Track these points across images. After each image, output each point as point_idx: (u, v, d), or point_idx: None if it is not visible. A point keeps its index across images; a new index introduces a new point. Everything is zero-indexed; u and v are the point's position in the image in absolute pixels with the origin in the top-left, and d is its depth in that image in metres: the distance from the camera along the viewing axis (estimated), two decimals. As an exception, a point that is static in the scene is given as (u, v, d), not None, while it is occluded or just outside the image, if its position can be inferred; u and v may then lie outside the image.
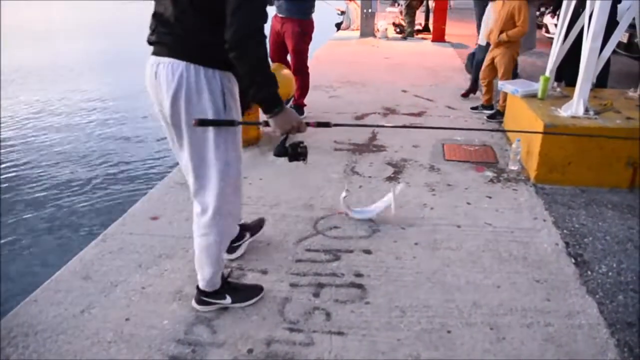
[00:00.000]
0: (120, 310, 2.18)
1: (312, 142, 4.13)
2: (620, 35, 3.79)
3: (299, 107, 4.85)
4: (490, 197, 3.28)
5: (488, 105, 5.19)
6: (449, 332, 2.07)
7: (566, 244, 2.75)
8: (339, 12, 13.44)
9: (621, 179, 3.44)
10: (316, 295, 2.29)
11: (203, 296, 2.17)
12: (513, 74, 4.99)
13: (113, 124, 7.89)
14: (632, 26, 4.24)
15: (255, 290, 2.27)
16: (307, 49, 4.80)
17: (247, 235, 2.61)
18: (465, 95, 5.83)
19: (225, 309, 2.19)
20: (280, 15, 4.62)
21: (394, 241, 2.74)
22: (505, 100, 4.80)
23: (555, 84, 4.41)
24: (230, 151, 1.92)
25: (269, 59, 1.73)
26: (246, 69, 1.70)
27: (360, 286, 2.35)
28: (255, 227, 2.70)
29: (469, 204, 3.20)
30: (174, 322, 2.11)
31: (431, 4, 12.33)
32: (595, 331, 2.08)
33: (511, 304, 2.24)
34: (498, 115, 4.95)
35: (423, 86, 6.43)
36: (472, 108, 5.34)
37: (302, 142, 1.87)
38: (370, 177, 3.57)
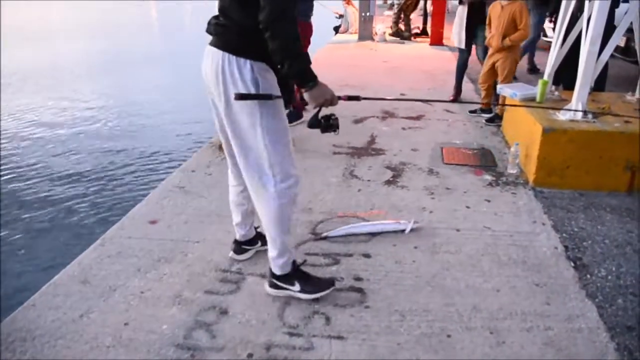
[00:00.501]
0: (119, 315, 2.18)
1: (310, 146, 4.16)
2: (618, 39, 3.80)
3: (298, 111, 4.84)
4: (489, 201, 3.29)
5: (487, 109, 5.20)
6: (448, 336, 2.06)
7: (565, 248, 2.75)
8: (337, 16, 13.46)
9: (620, 183, 3.45)
10: (316, 299, 2.28)
11: (274, 279, 2.25)
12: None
13: (112, 126, 7.89)
14: (629, 30, 4.25)
15: (325, 284, 2.29)
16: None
17: (259, 243, 2.58)
18: (454, 99, 5.85)
19: (225, 313, 2.18)
20: None
21: (393, 245, 2.74)
22: (504, 104, 4.81)
23: (554, 87, 4.42)
24: (270, 136, 2.00)
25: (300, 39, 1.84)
26: (279, 47, 1.81)
27: (359, 290, 2.35)
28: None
29: (468, 207, 3.20)
30: (173, 326, 2.11)
31: (429, 8, 12.37)
32: (595, 335, 2.08)
33: (511, 308, 2.24)
34: (496, 119, 4.95)
35: (421, 89, 6.44)
36: (471, 111, 5.35)
37: (333, 115, 1.99)
38: (369, 180, 3.57)
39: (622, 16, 3.99)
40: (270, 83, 1.98)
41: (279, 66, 1.86)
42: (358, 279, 2.44)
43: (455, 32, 5.63)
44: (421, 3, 13.41)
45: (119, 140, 7.19)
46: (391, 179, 3.61)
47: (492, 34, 4.84)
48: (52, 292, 2.33)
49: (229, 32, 1.94)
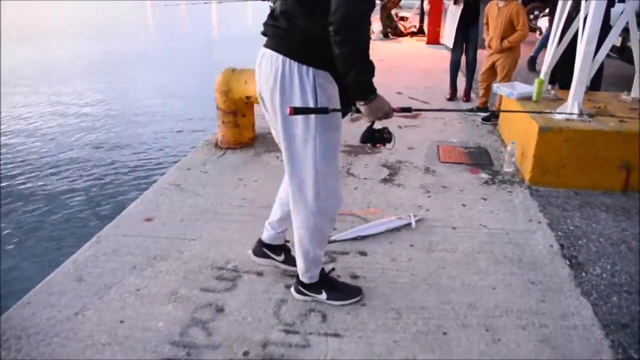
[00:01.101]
0: (114, 313, 2.17)
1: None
2: (614, 39, 3.81)
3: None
4: (485, 199, 3.29)
5: (483, 108, 5.21)
6: (444, 333, 2.07)
7: (561, 246, 2.75)
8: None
9: (614, 182, 3.46)
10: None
11: (301, 287, 2.23)
12: None
13: (107, 125, 7.86)
14: (625, 30, 4.27)
15: (353, 292, 2.27)
16: None
17: (282, 256, 2.46)
18: (450, 99, 5.87)
19: (221, 310, 2.18)
20: None
21: (389, 243, 2.74)
22: (500, 103, 4.82)
23: (550, 86, 4.43)
24: (321, 150, 1.91)
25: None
26: (347, 53, 1.69)
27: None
28: (293, 260, 2.46)
29: (464, 205, 3.20)
30: (169, 324, 2.10)
31: (426, 7, 12.38)
32: (590, 332, 2.09)
33: (506, 306, 2.24)
34: (493, 118, 4.97)
35: (418, 88, 6.44)
36: (468, 110, 5.36)
37: (386, 128, 1.91)
38: (365, 178, 3.57)
39: (617, 16, 4.00)
40: (330, 93, 1.87)
41: (343, 74, 1.73)
42: (354, 276, 2.44)
43: (448, 31, 5.65)
44: (418, 2, 13.43)
45: (115, 138, 7.17)
46: (388, 177, 3.61)
47: (491, 36, 4.86)
48: (47, 290, 2.32)
49: (290, 37, 1.81)
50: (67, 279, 2.40)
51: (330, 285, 2.24)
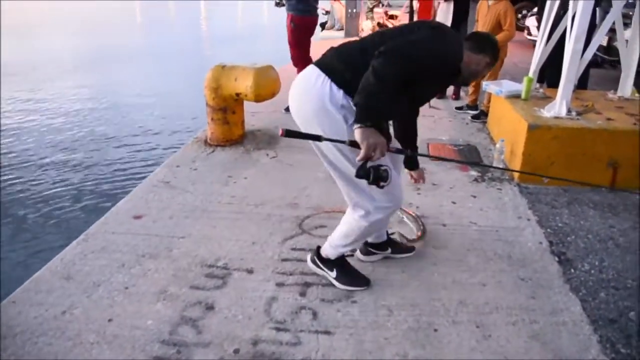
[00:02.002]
0: (102, 311, 2.14)
1: (296, 141, 4.11)
2: (601, 38, 3.84)
3: None
4: (475, 197, 3.31)
5: (473, 106, 5.24)
6: (435, 330, 2.07)
7: (550, 243, 2.77)
8: (324, 12, 13.45)
9: (602, 179, 3.49)
10: (302, 294, 2.27)
11: (317, 257, 2.35)
12: None
13: (95, 121, 7.78)
14: (612, 30, 4.31)
15: (361, 281, 2.34)
16: (302, 42, 5.04)
17: (389, 249, 2.55)
18: (440, 97, 5.83)
19: (211, 308, 2.16)
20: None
21: (380, 240, 2.74)
22: (489, 100, 4.84)
23: (538, 85, 4.46)
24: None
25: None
26: (372, 71, 1.75)
27: (346, 285, 2.34)
28: (400, 248, 2.61)
29: (454, 203, 3.21)
30: (158, 322, 2.08)
31: (415, 5, 12.40)
32: (579, 328, 2.10)
33: (497, 302, 2.25)
34: (482, 116, 4.99)
35: (407, 86, 6.44)
36: (457, 108, 5.39)
37: (382, 165, 1.85)
38: (355, 176, 3.57)
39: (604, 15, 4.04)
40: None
41: (360, 89, 1.78)
42: (345, 274, 2.43)
43: None
44: (407, 1, 13.42)
45: (103, 135, 7.10)
46: (378, 175, 3.60)
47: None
48: (33, 288, 2.29)
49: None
50: (54, 277, 2.37)
51: (343, 268, 2.34)
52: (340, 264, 2.33)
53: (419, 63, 1.81)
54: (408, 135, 2.37)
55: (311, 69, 1.99)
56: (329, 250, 2.30)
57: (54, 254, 2.58)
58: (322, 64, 1.98)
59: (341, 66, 1.93)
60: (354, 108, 1.83)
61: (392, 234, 2.64)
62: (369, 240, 2.49)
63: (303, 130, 1.98)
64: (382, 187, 1.88)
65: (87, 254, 2.56)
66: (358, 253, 2.54)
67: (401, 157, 2.38)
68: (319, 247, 2.36)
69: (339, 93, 1.90)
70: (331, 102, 1.90)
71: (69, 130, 7.33)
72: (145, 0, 33.97)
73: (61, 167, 5.90)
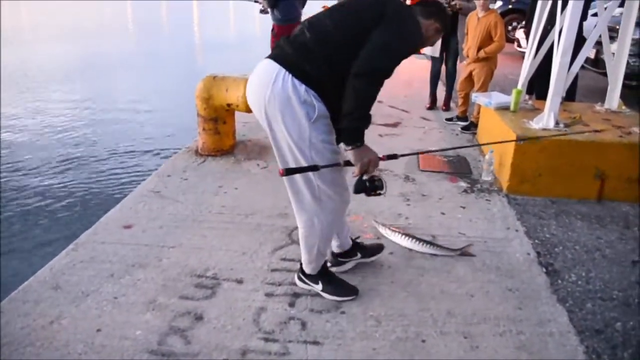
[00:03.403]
0: (91, 321, 2.13)
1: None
2: (588, 51, 3.91)
3: None
4: (464, 207, 3.33)
5: (463, 117, 5.29)
6: (423, 341, 2.08)
7: (538, 254, 2.80)
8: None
9: (589, 191, 3.54)
10: (292, 304, 2.28)
11: (302, 274, 2.35)
12: None
13: (86, 130, 7.75)
14: (599, 43, 4.38)
15: (349, 291, 2.34)
16: None
17: (358, 255, 2.56)
18: (430, 108, 5.94)
19: (200, 318, 2.16)
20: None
21: (369, 250, 2.75)
22: (479, 112, 4.90)
23: (527, 96, 4.52)
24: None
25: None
26: (353, 99, 1.82)
27: (336, 296, 2.35)
28: (369, 250, 2.63)
29: (443, 214, 3.24)
30: (147, 332, 2.08)
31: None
32: (566, 338, 2.12)
33: (484, 313, 2.27)
34: (472, 127, 5.04)
35: (398, 97, 6.50)
36: (447, 119, 5.44)
37: (376, 176, 1.97)
38: (346, 186, 3.58)
39: (591, 29, 4.11)
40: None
41: (344, 113, 1.84)
42: (334, 284, 2.44)
43: None
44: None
45: (92, 144, 7.07)
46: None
47: (469, 45, 4.94)
48: (21, 298, 2.28)
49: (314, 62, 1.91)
50: (42, 287, 2.36)
51: (328, 279, 2.33)
52: (324, 276, 2.33)
53: (394, 66, 1.90)
54: None
55: (269, 64, 1.94)
56: (307, 269, 2.31)
57: (43, 263, 2.57)
58: (279, 58, 1.93)
59: (300, 59, 1.90)
60: (315, 102, 1.88)
61: (357, 237, 2.64)
62: (335, 250, 2.50)
63: (261, 121, 2.00)
64: (379, 194, 1.99)
65: (76, 263, 2.56)
66: (334, 268, 2.50)
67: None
68: (301, 264, 2.34)
69: (302, 88, 1.87)
70: (295, 98, 1.87)
71: (56, 138, 7.29)
72: (137, 1, 33.93)
73: (49, 176, 5.86)
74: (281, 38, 2.03)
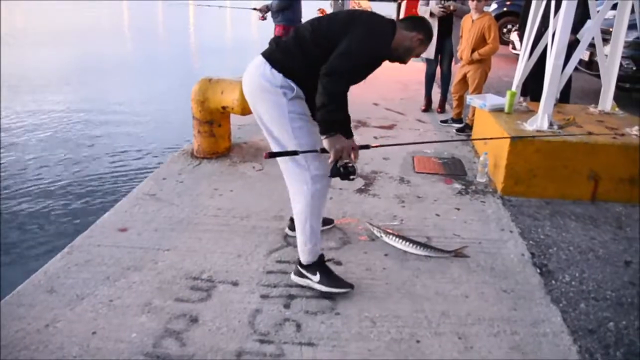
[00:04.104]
0: (86, 324, 2.14)
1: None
2: (581, 53, 3.94)
3: None
4: (458, 209, 3.35)
5: (458, 119, 5.31)
6: (418, 341, 2.09)
7: (532, 255, 2.82)
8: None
9: (583, 192, 3.56)
10: (287, 306, 2.29)
11: (300, 267, 2.43)
12: None
13: (81, 133, 7.74)
14: (592, 45, 4.42)
15: (344, 284, 2.41)
16: None
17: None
18: (425, 110, 5.97)
19: (195, 320, 2.16)
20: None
21: (364, 252, 2.76)
22: (474, 114, 4.92)
23: (522, 98, 4.54)
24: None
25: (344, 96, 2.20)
26: (323, 95, 2.09)
27: (330, 297, 2.36)
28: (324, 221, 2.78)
29: (438, 215, 3.25)
30: (142, 335, 2.08)
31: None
32: (559, 339, 2.14)
33: (479, 314, 2.28)
34: (467, 129, 5.06)
35: (394, 99, 6.53)
36: (442, 121, 5.46)
37: (348, 162, 2.23)
38: (341, 189, 3.59)
39: (584, 32, 4.15)
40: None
41: (317, 108, 2.12)
42: (329, 286, 2.45)
43: None
44: (394, 15, 13.63)
45: (88, 147, 7.06)
46: (363, 188, 3.64)
47: (463, 47, 4.96)
48: (15, 301, 2.27)
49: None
50: (37, 290, 2.36)
51: (325, 272, 2.42)
52: (322, 268, 2.41)
53: (358, 68, 2.18)
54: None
55: (258, 59, 2.30)
56: (304, 256, 2.39)
57: (38, 266, 2.56)
58: (265, 54, 2.30)
59: (280, 55, 2.27)
60: (293, 85, 2.22)
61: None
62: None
63: (251, 105, 2.34)
64: (352, 179, 2.26)
65: (71, 266, 2.56)
66: (287, 230, 2.87)
67: None
68: (299, 258, 2.43)
69: (279, 76, 2.21)
70: (270, 83, 2.22)
71: (51, 141, 7.28)
72: (134, 1, 33.87)
73: (44, 179, 5.85)
74: (271, 39, 2.39)
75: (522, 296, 2.43)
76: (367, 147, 2.40)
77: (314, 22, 2.34)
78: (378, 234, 2.92)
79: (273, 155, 2.26)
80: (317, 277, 2.38)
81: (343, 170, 2.23)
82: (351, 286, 2.39)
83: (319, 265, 2.40)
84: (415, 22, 2.36)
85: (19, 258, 4.12)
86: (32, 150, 6.88)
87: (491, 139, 3.75)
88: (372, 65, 2.26)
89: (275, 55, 2.28)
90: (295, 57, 2.24)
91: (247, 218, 3.12)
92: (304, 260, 2.39)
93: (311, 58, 2.19)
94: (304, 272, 2.41)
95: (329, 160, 2.20)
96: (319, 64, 2.11)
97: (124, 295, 2.34)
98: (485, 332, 2.16)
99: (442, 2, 5.33)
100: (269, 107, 2.26)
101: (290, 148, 2.25)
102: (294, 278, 2.45)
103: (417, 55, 2.45)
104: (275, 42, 2.38)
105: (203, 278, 2.49)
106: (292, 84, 2.23)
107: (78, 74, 12.70)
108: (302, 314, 2.24)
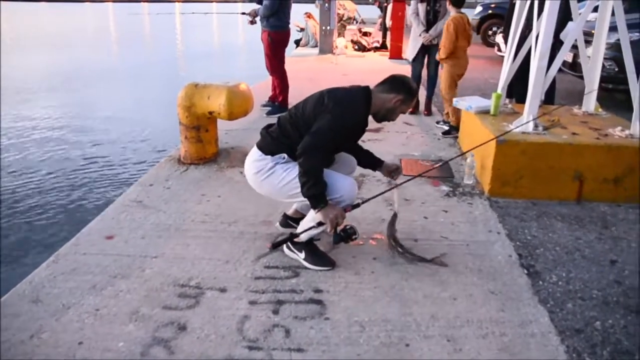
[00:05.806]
0: (72, 334, 2.11)
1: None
2: (564, 55, 3.98)
3: (282, 105, 5.70)
4: (446, 211, 3.36)
5: (448, 120, 5.34)
6: (407, 345, 2.09)
7: (519, 256, 2.84)
8: (298, 29, 13.59)
9: (569, 192, 3.59)
10: (275, 312, 2.28)
11: (292, 242, 2.65)
12: None
13: (67, 139, 7.67)
14: (576, 46, 4.47)
15: (327, 262, 2.64)
16: (279, 54, 5.72)
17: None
18: (412, 112, 5.98)
19: (184, 328, 2.15)
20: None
21: (352, 256, 2.76)
22: (454, 115, 4.98)
23: (507, 100, 4.58)
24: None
25: (319, 169, 2.41)
26: (303, 171, 2.36)
27: (319, 302, 2.36)
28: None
29: (425, 218, 3.26)
30: (129, 343, 2.06)
31: (388, 23, 12.64)
32: (547, 339, 2.15)
33: (467, 316, 2.29)
34: (453, 131, 5.09)
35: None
36: (437, 122, 5.51)
37: (346, 225, 2.49)
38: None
39: (567, 33, 4.19)
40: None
41: (300, 185, 2.38)
42: (318, 290, 2.45)
43: (412, 46, 5.81)
44: (380, 19, 13.73)
45: (74, 154, 7.00)
46: (351, 191, 3.64)
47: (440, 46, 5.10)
48: None
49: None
50: (22, 300, 2.32)
51: (311, 250, 2.65)
52: (308, 247, 2.64)
53: (332, 142, 2.43)
54: (361, 158, 2.96)
55: (253, 149, 2.65)
56: (303, 233, 2.58)
57: (22, 276, 2.53)
58: (258, 144, 2.63)
59: (268, 141, 2.59)
60: (284, 155, 2.53)
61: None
62: (289, 213, 2.99)
63: (257, 189, 2.70)
64: (355, 239, 2.55)
65: (56, 275, 2.52)
66: (277, 225, 3.03)
67: (350, 160, 2.85)
68: (292, 234, 2.63)
69: (268, 157, 2.55)
70: (262, 162, 2.57)
71: (37, 148, 7.21)
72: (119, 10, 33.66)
73: (30, 186, 5.79)
74: (262, 129, 2.70)
75: (510, 297, 2.44)
76: (358, 205, 2.54)
77: (291, 110, 2.62)
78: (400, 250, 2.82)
79: (277, 245, 2.61)
80: (302, 255, 2.63)
81: (344, 234, 2.48)
82: (333, 263, 2.63)
83: (307, 244, 2.64)
84: (393, 84, 2.55)
85: (2, 266, 4.06)
86: (16, 157, 6.80)
87: (480, 145, 3.77)
88: (347, 135, 2.51)
89: (265, 142, 2.59)
90: (282, 143, 2.52)
91: (235, 224, 3.11)
92: (301, 236, 2.58)
93: (293, 140, 2.46)
94: (292, 246, 2.67)
95: (328, 231, 2.42)
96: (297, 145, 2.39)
97: (110, 304, 2.32)
98: (474, 334, 2.17)
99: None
100: (267, 177, 2.56)
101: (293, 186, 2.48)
102: (285, 250, 2.71)
103: (404, 112, 2.68)
104: (266, 131, 2.67)
105: (191, 285, 2.47)
106: (283, 155, 2.53)
107: (63, 81, 12.60)
108: (291, 319, 2.23)
